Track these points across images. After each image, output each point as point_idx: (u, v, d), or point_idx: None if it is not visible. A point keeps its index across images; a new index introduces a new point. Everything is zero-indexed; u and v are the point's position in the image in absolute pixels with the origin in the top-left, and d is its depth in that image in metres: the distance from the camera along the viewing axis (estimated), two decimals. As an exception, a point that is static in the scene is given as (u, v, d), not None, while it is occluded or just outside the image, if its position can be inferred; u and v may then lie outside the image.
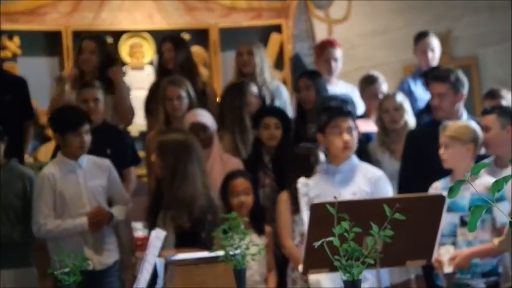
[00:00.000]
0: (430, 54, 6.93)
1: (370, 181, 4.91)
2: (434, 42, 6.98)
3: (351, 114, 5.03)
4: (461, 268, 4.71)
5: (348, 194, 4.89)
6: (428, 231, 4.06)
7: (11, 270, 5.51)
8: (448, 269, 4.68)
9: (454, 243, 4.76)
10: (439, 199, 4.13)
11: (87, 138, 5.50)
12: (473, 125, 5.05)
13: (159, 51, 6.70)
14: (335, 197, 4.62)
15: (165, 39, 6.65)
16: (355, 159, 5.01)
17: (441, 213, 4.08)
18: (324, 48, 7.06)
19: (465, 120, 5.38)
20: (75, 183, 5.50)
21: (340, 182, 4.96)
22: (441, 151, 4.95)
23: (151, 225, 5.16)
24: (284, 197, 5.33)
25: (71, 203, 5.46)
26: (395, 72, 7.27)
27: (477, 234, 4.73)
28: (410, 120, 6.07)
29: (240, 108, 6.09)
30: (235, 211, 5.04)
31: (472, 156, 4.92)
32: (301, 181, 4.98)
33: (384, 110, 6.09)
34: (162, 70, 6.58)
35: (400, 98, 6.11)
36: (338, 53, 7.05)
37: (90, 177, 5.53)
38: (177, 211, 5.01)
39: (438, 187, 4.95)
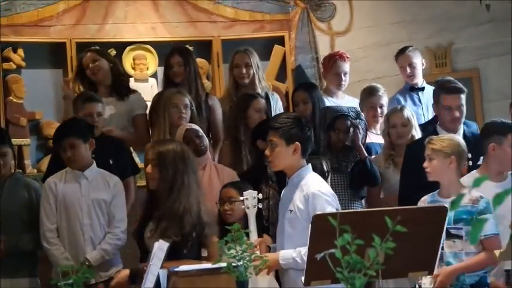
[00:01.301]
0: (408, 70, 6.99)
1: (304, 198, 4.72)
2: (414, 57, 7.01)
3: (274, 129, 4.83)
4: (444, 285, 4.71)
5: (286, 210, 4.81)
6: (430, 242, 4.06)
7: (12, 280, 5.54)
8: (428, 285, 4.66)
9: (441, 256, 4.76)
10: (441, 210, 4.14)
11: (71, 152, 5.49)
12: (457, 138, 5.10)
13: (167, 63, 6.69)
14: (337, 209, 4.67)
15: (174, 52, 6.65)
16: (304, 172, 4.81)
17: (443, 224, 4.09)
18: (334, 62, 7.07)
19: (450, 134, 5.41)
20: (77, 193, 5.53)
21: (286, 197, 4.88)
22: (425, 164, 5.00)
23: (138, 237, 5.18)
24: None
25: (71, 212, 5.49)
26: (398, 84, 7.28)
27: (463, 247, 4.75)
28: (417, 134, 6.08)
29: (239, 121, 6.14)
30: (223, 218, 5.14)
31: (456, 169, 4.97)
32: (252, 193, 4.93)
33: (391, 125, 6.12)
34: (169, 82, 6.60)
35: (408, 112, 6.13)
36: (347, 66, 7.09)
37: (94, 189, 5.55)
38: (169, 223, 4.97)
39: (426, 201, 4.99)
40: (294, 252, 4.66)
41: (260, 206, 4.90)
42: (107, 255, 5.45)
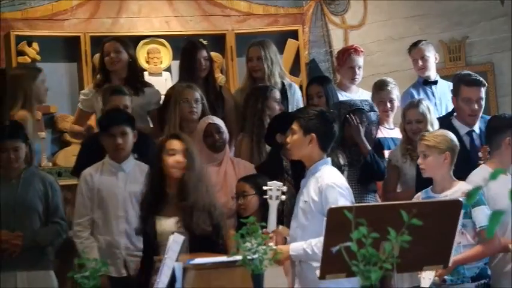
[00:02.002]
0: (420, 63, 6.98)
1: (318, 189, 4.72)
2: (426, 51, 7.00)
3: (297, 118, 4.88)
4: (442, 276, 4.72)
5: (301, 201, 4.83)
6: (444, 236, 4.07)
7: (29, 273, 5.57)
8: (426, 283, 4.64)
9: None
10: (456, 204, 4.15)
11: (122, 140, 5.54)
12: (450, 133, 5.11)
13: (190, 57, 6.67)
14: (352, 202, 4.68)
15: (200, 47, 6.68)
16: (320, 165, 4.81)
17: (458, 218, 4.09)
18: (348, 55, 7.07)
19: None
20: (115, 185, 5.56)
21: (303, 187, 4.88)
22: (419, 161, 5.01)
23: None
24: None
25: (109, 204, 5.52)
26: (412, 78, 7.27)
27: (460, 239, 4.77)
28: (434, 128, 6.02)
29: (261, 113, 6.14)
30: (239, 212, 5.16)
31: (449, 165, 4.98)
32: (277, 184, 4.88)
33: (407, 120, 6.10)
34: (190, 76, 6.60)
35: (423, 108, 6.07)
36: (361, 60, 7.09)
37: (132, 181, 5.57)
38: (201, 214, 4.98)
39: (420, 197, 5.01)
40: (304, 244, 4.67)
41: (283, 198, 4.87)
42: None
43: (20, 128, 5.76)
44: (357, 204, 4.46)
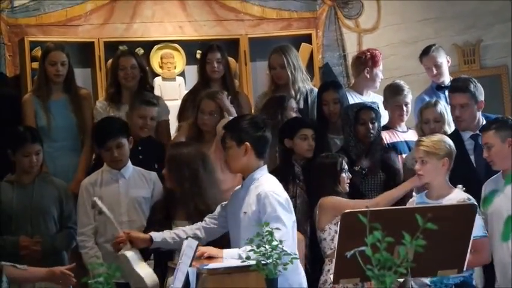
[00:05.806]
0: (434, 70, 6.90)
1: (256, 197, 4.60)
2: (439, 57, 6.89)
3: (226, 131, 4.81)
4: None
5: (241, 213, 4.69)
6: (459, 240, 4.06)
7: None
8: None
9: None
10: (471, 208, 4.14)
11: (118, 152, 5.56)
12: (447, 138, 5.08)
13: (203, 58, 6.72)
14: (367, 206, 4.64)
15: (214, 49, 6.68)
16: (257, 174, 4.70)
17: (472, 222, 4.08)
18: (379, 58, 7.05)
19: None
20: (115, 191, 5.58)
21: (241, 199, 4.75)
22: (417, 167, 4.97)
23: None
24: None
25: (110, 210, 5.53)
26: (426, 81, 7.25)
27: None
28: (450, 129, 5.99)
29: (281, 123, 6.13)
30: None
31: (447, 171, 4.94)
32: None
33: (424, 120, 6.06)
34: (204, 80, 6.61)
35: (441, 107, 6.05)
36: (381, 65, 7.08)
37: (132, 187, 5.60)
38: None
39: (414, 202, 4.97)
40: (239, 250, 4.49)
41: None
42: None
43: (36, 131, 5.82)
44: (372, 209, 4.44)
